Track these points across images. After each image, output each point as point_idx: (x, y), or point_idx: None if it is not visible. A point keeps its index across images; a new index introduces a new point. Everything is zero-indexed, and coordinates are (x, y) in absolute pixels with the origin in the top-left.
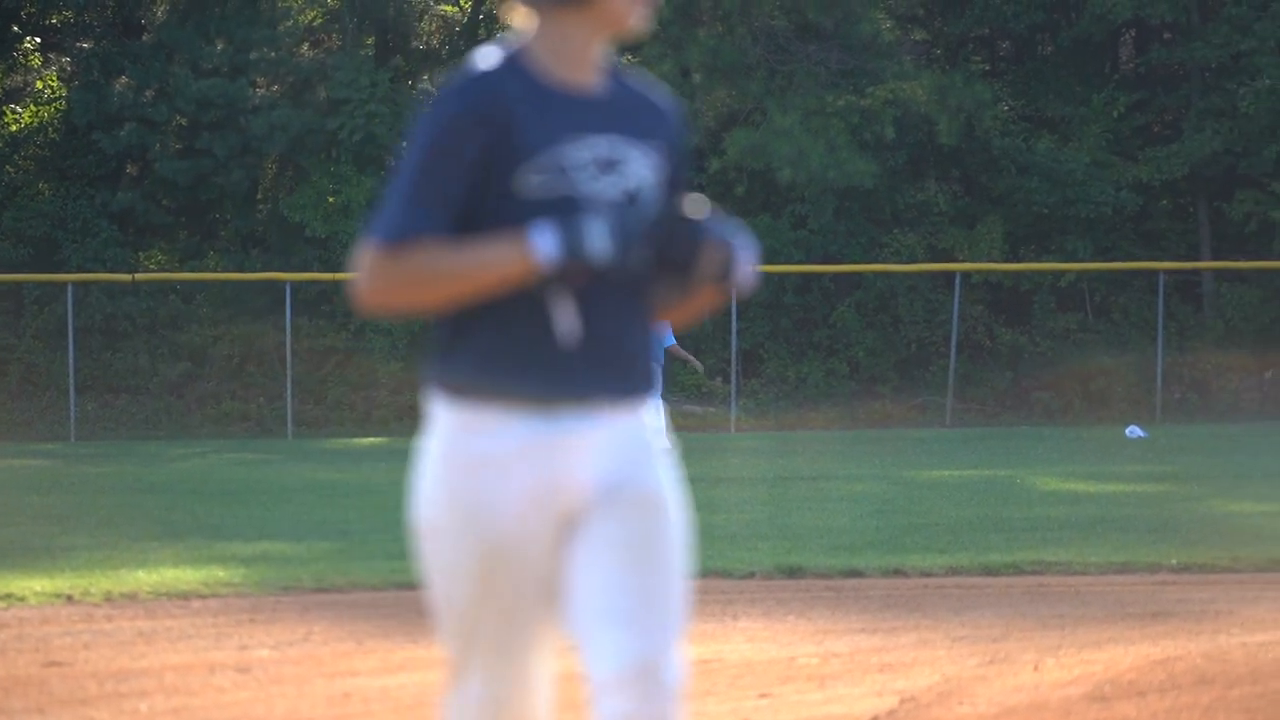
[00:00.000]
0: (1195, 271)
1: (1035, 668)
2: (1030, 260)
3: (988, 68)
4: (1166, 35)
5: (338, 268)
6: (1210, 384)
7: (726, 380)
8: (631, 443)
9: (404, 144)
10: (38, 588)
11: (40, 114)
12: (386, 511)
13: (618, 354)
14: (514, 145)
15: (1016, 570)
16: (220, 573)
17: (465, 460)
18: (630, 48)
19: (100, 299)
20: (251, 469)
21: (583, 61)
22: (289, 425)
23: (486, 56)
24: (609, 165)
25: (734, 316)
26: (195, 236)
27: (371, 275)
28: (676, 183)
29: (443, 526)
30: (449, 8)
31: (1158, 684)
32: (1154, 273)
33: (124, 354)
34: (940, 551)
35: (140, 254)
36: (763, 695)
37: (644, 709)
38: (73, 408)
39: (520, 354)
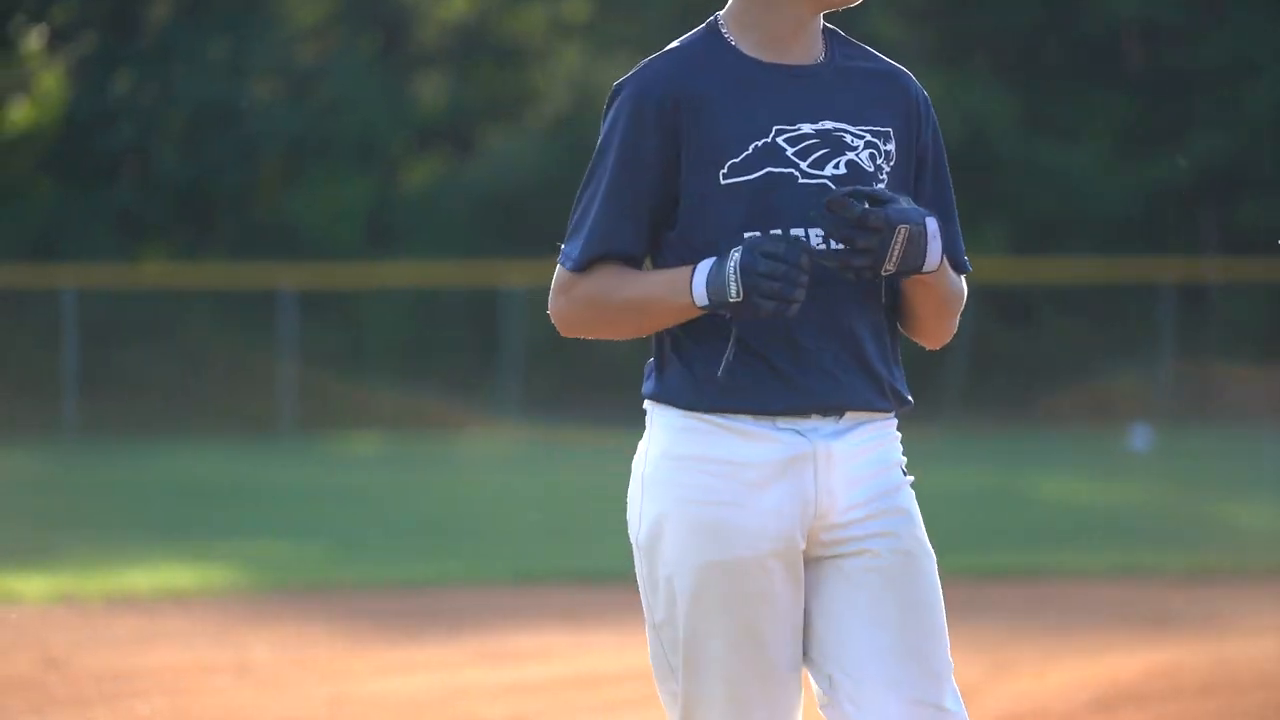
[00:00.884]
0: (1201, 275)
1: (1038, 674)
2: (1034, 263)
3: (992, 70)
4: (1173, 38)
5: (336, 268)
6: (1216, 388)
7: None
8: (881, 463)
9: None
10: (36, 588)
11: (39, 112)
12: (384, 513)
13: (857, 362)
14: (707, 134)
15: (1019, 576)
16: (219, 573)
17: (705, 473)
18: (628, 42)
19: (98, 297)
20: (249, 470)
21: (795, 34)
22: (286, 426)
23: (686, 37)
24: (820, 151)
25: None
26: (194, 235)
27: (556, 300)
28: (919, 165)
29: (676, 546)
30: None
31: (1161, 691)
32: (1159, 276)
33: (122, 353)
34: (942, 556)
35: (139, 253)
36: None
37: None
38: (70, 406)
39: (762, 360)
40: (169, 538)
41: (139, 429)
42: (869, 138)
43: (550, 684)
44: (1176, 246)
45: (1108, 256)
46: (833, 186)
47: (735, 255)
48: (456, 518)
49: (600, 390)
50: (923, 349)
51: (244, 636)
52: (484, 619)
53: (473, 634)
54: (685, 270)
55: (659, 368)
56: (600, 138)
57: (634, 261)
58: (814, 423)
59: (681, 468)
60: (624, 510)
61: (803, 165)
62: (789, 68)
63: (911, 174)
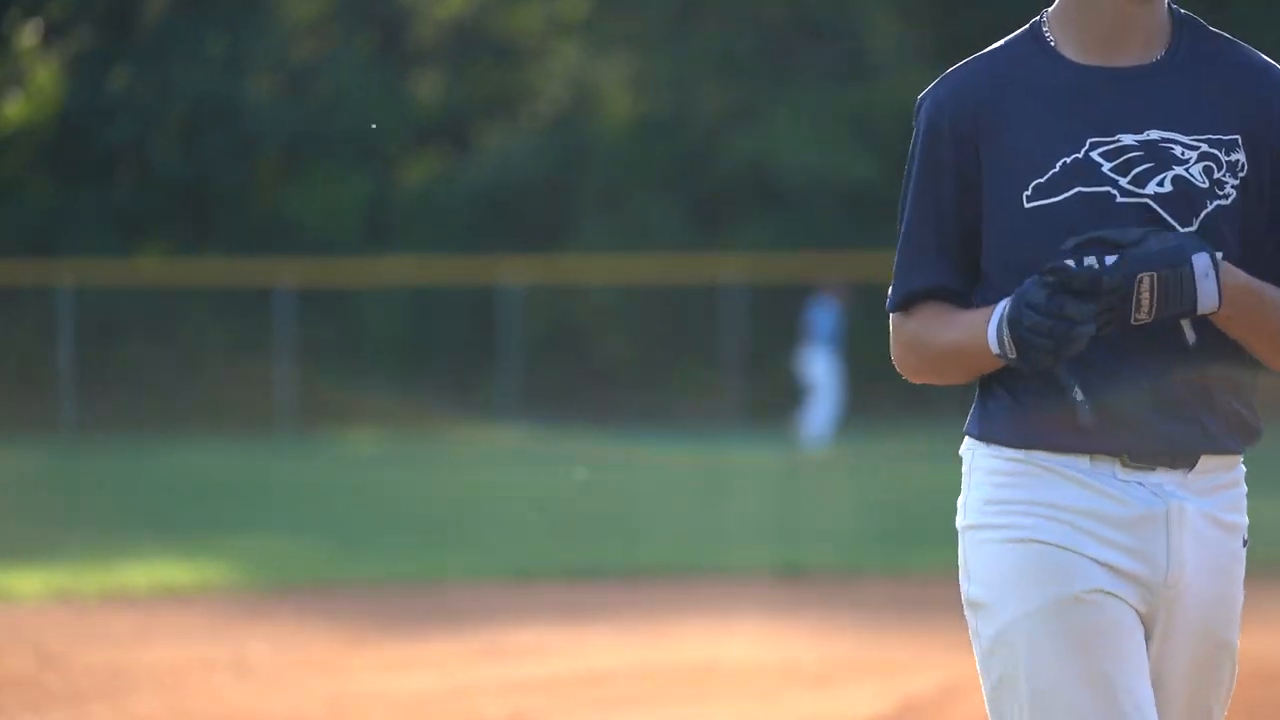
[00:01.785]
0: None
1: None
2: None
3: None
4: None
5: (334, 265)
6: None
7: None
8: (1217, 531)
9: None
10: (32, 585)
11: (35, 108)
12: (382, 509)
13: (1185, 405)
14: (1008, 151)
15: None
16: (216, 570)
17: (1048, 520)
18: (632, 41)
19: (95, 294)
20: (247, 466)
21: (1123, 31)
22: (284, 422)
23: (1005, 39)
24: (1143, 166)
25: (734, 317)
26: (191, 232)
27: (893, 344)
28: (1275, 171)
29: (1023, 601)
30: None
31: None
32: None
33: (119, 350)
34: (941, 552)
35: (136, 249)
36: (762, 697)
37: None
38: (67, 403)
39: (1102, 399)
40: (166, 534)
41: (136, 426)
42: (1205, 148)
43: (549, 680)
44: None
45: None
46: (1154, 207)
47: (1002, 305)
48: (455, 514)
49: (597, 386)
50: None
51: (242, 633)
52: (483, 616)
53: (472, 631)
54: (987, 312)
55: (980, 401)
56: (909, 157)
57: (957, 297)
58: (1155, 469)
59: (1006, 512)
60: (625, 504)
61: (1121, 182)
62: (1113, 70)
63: (1268, 184)
